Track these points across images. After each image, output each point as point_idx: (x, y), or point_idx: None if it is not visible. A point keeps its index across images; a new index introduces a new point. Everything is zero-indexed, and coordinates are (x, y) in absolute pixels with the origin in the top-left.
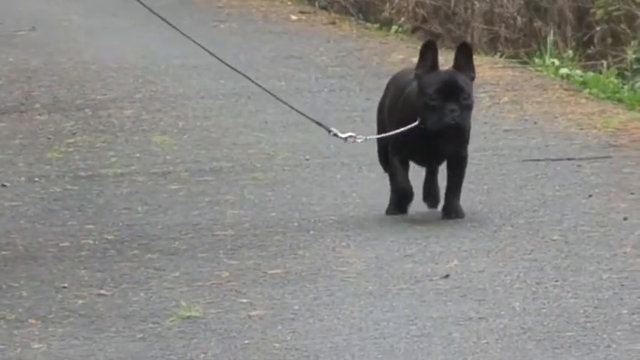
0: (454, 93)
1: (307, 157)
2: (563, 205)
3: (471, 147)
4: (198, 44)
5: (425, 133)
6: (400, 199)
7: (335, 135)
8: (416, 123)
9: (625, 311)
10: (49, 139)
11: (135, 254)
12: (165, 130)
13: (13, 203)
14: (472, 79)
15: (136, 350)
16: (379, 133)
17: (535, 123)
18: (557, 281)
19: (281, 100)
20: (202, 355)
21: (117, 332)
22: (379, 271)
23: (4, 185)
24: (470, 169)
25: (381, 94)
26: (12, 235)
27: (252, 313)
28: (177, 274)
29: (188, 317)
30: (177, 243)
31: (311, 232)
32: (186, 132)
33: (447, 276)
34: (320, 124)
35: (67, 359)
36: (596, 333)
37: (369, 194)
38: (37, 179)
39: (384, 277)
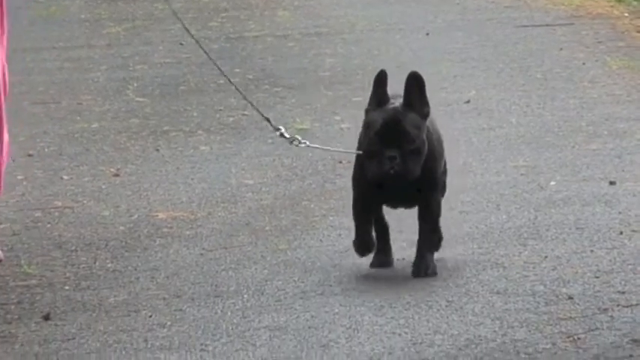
0: (395, 136)
1: (377, 23)
2: (543, 55)
3: (484, 17)
4: None
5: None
6: (361, 251)
7: (281, 135)
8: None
9: (584, 124)
10: (210, 13)
11: (266, 88)
12: (285, 7)
13: (188, 55)
14: (424, 115)
15: (267, 150)
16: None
17: (525, 2)
18: (539, 104)
19: (240, 92)
20: (310, 155)
21: (255, 138)
22: None
23: (181, 44)
24: (484, 32)
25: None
26: (186, 76)
27: (342, 125)
28: (293, 100)
29: (301, 129)
30: (293, 80)
31: None
32: (298, 8)
33: (468, 101)
34: (269, 122)
35: (222, 155)
36: (565, 138)
37: (418, 48)
38: (203, 39)
39: None
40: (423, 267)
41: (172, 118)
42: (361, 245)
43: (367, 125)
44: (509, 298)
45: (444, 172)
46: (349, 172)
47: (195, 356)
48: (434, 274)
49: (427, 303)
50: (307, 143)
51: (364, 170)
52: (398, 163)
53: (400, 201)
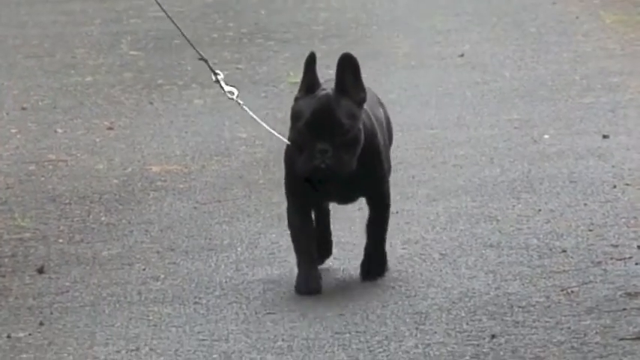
0: (327, 127)
1: None
2: (537, 9)
3: None
4: None
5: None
6: (306, 270)
7: (217, 81)
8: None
9: (577, 77)
10: None
11: (260, 42)
12: None
13: (181, 9)
14: (360, 102)
15: (261, 103)
16: None
17: None
18: (533, 58)
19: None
20: None
21: (248, 92)
22: (418, 52)
23: None
24: None
25: None
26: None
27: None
28: (287, 54)
29: (295, 82)
30: (286, 34)
31: (374, 27)
32: None
33: (462, 55)
34: (209, 66)
35: (216, 109)
36: (558, 92)
37: (412, 1)
38: None
39: (421, 55)
40: (374, 269)
41: (166, 71)
42: (305, 284)
43: (296, 115)
44: (503, 251)
45: (389, 168)
46: None
47: (189, 309)
48: (384, 272)
49: (421, 256)
50: (241, 103)
51: (294, 165)
52: (330, 156)
53: (336, 198)
